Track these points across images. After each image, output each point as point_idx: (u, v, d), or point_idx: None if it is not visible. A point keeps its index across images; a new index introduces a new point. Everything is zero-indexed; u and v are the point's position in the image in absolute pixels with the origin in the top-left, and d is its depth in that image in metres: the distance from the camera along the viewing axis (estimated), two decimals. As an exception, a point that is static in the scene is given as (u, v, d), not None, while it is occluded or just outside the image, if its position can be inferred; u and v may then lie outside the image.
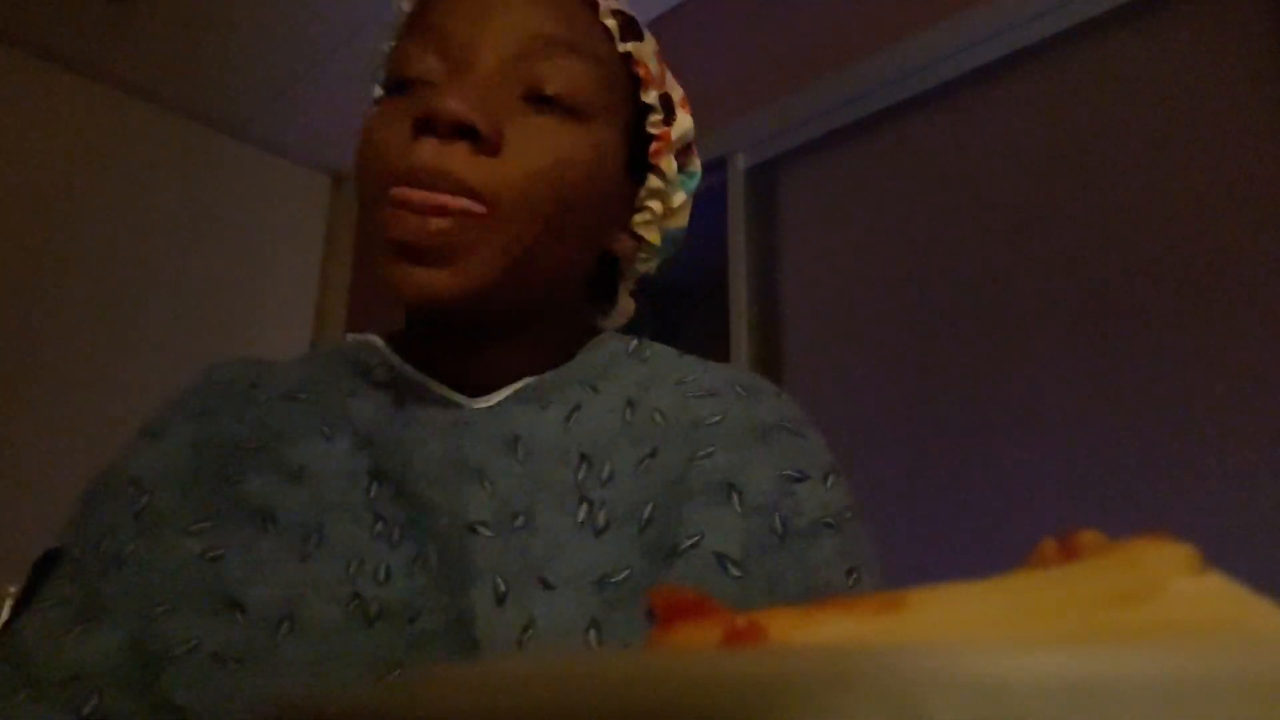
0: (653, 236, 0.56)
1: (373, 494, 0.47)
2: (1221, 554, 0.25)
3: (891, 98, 1.66)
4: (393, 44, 0.54)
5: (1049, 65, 1.49)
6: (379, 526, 0.46)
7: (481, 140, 0.45)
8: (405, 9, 0.54)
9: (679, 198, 0.56)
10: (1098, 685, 0.12)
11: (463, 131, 0.45)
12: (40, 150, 2.21)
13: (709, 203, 1.79)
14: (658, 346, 0.57)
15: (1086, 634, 0.16)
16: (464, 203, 0.44)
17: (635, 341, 0.57)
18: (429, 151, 0.44)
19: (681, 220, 0.58)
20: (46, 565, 0.48)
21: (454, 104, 0.44)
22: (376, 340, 0.55)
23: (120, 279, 2.28)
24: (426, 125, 0.45)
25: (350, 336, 0.57)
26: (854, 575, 0.48)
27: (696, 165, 0.58)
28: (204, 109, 2.50)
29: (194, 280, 2.43)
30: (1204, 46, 1.32)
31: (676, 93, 0.56)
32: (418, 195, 0.44)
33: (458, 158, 0.45)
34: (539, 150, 0.47)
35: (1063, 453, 1.31)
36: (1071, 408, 1.32)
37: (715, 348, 1.78)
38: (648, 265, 0.58)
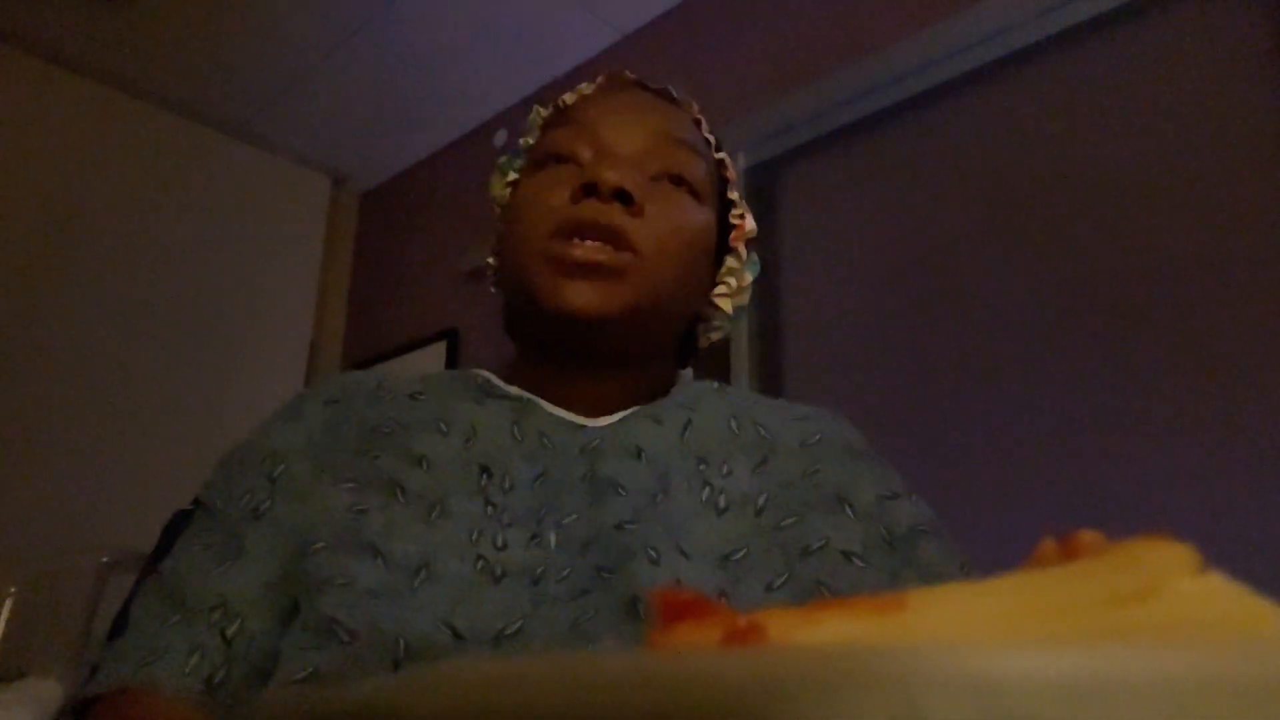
0: (726, 306, 0.68)
1: (483, 483, 0.55)
2: (1221, 554, 0.25)
3: (891, 97, 1.66)
4: (528, 141, 0.68)
5: (1049, 65, 1.49)
6: (489, 510, 0.53)
7: (632, 204, 0.57)
8: (545, 114, 0.68)
9: (748, 278, 0.69)
10: (1098, 685, 0.12)
11: (618, 195, 0.57)
12: (40, 150, 2.21)
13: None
14: (734, 387, 0.68)
15: (1086, 634, 0.16)
16: (617, 252, 0.56)
17: (717, 384, 0.68)
18: (593, 209, 0.57)
19: (746, 298, 0.70)
20: (177, 524, 0.55)
21: (613, 174, 0.57)
22: (488, 374, 0.65)
23: (120, 279, 2.28)
24: (590, 189, 0.57)
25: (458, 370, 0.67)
26: (966, 569, 0.57)
27: (756, 257, 0.71)
28: (204, 109, 2.50)
29: (194, 280, 2.42)
30: (1204, 46, 1.32)
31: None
32: (583, 248, 0.56)
33: (614, 215, 0.57)
34: (671, 216, 0.60)
35: (1063, 452, 1.31)
36: (1071, 408, 1.32)
37: (715, 346, 1.78)
38: (718, 332, 0.70)
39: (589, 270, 0.56)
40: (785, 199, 1.81)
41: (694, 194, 0.62)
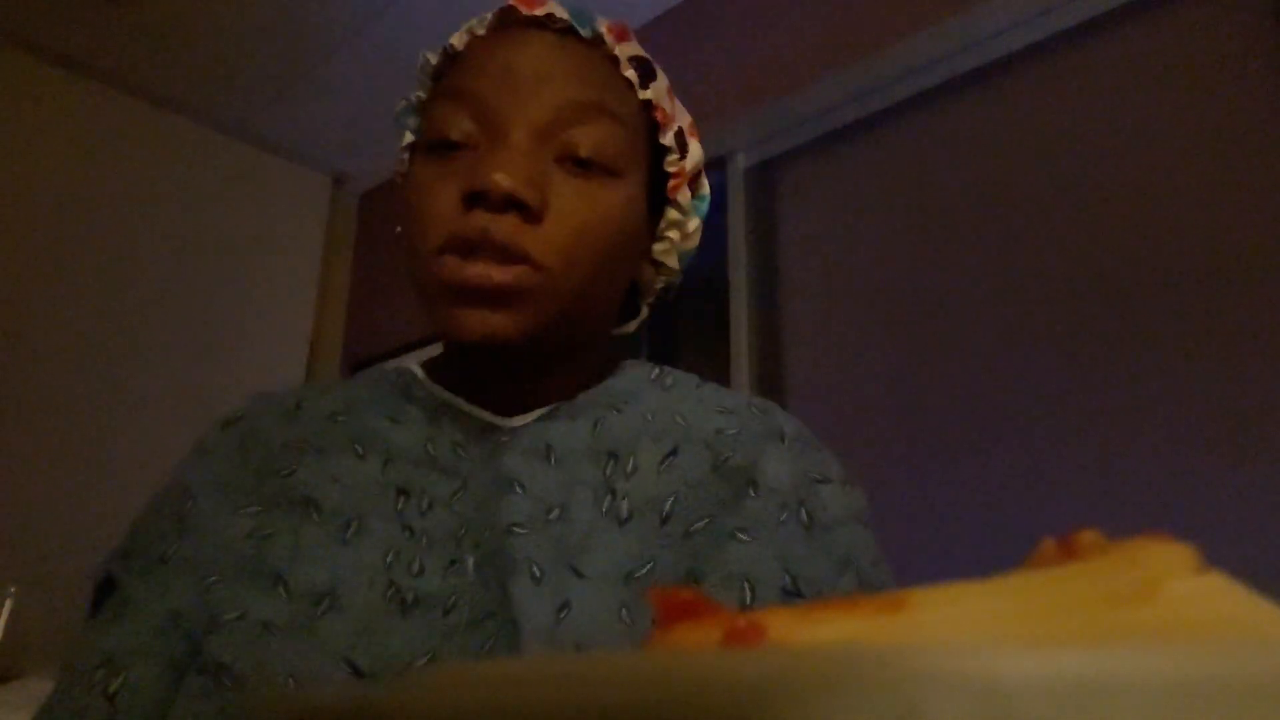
0: (671, 262, 0.61)
1: (400, 506, 0.51)
2: (1221, 554, 0.25)
3: (891, 98, 1.66)
4: (420, 96, 0.59)
5: (1049, 65, 1.49)
6: (406, 535, 0.50)
7: (528, 211, 0.49)
8: (434, 62, 0.58)
9: (694, 223, 0.61)
10: (1097, 685, 0.12)
11: (511, 204, 0.49)
12: (40, 150, 2.20)
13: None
14: (678, 374, 0.62)
15: (1086, 634, 0.16)
16: (517, 270, 0.49)
17: (657, 370, 0.62)
18: (482, 221, 0.49)
19: (695, 241, 0.62)
20: (107, 587, 0.53)
21: (503, 180, 0.48)
22: (416, 369, 0.61)
23: (120, 279, 2.28)
24: (478, 198, 0.49)
25: (390, 365, 0.62)
26: (878, 565, 0.54)
27: (706, 189, 0.62)
28: (204, 109, 2.50)
29: (194, 281, 2.42)
30: (1204, 46, 1.32)
31: (685, 120, 0.60)
32: (475, 270, 0.48)
33: (507, 228, 0.49)
34: (579, 213, 0.51)
35: (1063, 453, 1.31)
36: (1071, 408, 1.32)
37: (715, 348, 1.78)
38: (665, 285, 0.63)
39: (485, 296, 0.49)
40: (785, 199, 1.81)
41: (609, 170, 0.53)
